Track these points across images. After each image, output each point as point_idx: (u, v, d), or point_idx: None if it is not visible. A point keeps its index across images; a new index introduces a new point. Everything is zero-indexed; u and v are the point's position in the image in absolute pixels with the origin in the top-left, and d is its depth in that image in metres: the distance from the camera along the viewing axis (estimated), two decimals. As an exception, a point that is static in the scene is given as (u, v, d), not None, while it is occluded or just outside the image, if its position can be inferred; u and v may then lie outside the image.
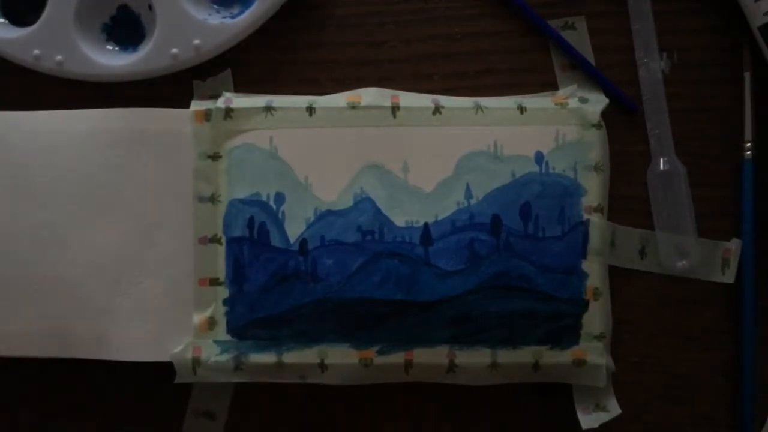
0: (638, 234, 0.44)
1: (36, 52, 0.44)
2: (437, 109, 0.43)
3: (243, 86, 0.45)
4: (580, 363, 0.42)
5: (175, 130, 0.43)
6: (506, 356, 0.42)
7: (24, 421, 0.46)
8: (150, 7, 0.45)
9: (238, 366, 0.42)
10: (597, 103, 0.43)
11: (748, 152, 0.44)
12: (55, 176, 0.43)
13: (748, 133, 0.44)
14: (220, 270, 0.42)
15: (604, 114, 0.43)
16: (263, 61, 0.45)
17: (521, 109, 0.43)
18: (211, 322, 0.42)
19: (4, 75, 0.46)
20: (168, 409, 0.45)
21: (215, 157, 0.43)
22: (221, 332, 0.42)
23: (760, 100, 0.44)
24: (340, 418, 0.45)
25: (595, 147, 0.42)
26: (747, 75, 0.44)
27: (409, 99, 0.43)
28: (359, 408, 0.45)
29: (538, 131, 0.42)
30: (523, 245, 0.42)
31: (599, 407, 0.43)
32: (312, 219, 0.42)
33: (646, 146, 0.44)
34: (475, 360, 0.42)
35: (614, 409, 0.42)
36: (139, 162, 0.43)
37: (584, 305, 0.42)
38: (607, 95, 0.44)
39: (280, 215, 0.42)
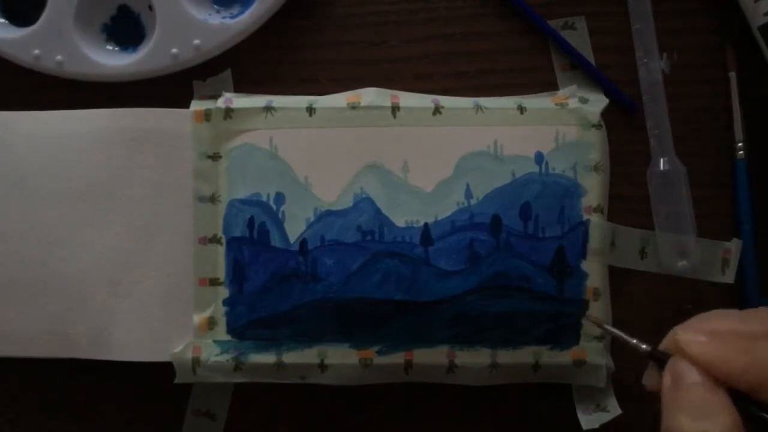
0: (638, 234, 0.44)
1: (36, 52, 0.44)
2: (437, 109, 0.43)
3: (243, 86, 0.45)
4: (580, 363, 0.42)
5: (175, 130, 0.43)
6: (506, 356, 0.42)
7: (24, 421, 0.46)
8: (150, 7, 0.45)
9: (237, 366, 0.42)
10: (597, 103, 0.43)
11: (741, 152, 0.44)
12: (55, 176, 0.43)
13: (738, 133, 0.44)
14: (220, 270, 0.42)
15: (604, 114, 0.43)
16: (263, 61, 0.45)
17: (521, 109, 0.43)
18: (211, 323, 0.42)
19: (4, 75, 0.46)
20: (168, 409, 0.45)
21: (215, 157, 0.43)
22: (221, 332, 0.42)
23: (757, 100, 0.44)
24: (340, 418, 0.45)
25: (595, 147, 0.42)
26: (732, 75, 0.44)
27: (409, 99, 0.43)
28: (359, 408, 0.45)
29: (538, 131, 0.42)
30: (523, 245, 0.42)
31: (599, 407, 0.43)
32: (312, 219, 0.42)
33: (646, 146, 0.44)
34: (475, 360, 0.42)
35: (614, 409, 0.42)
36: (139, 162, 0.43)
37: (584, 305, 0.42)
38: (607, 95, 0.44)
39: (280, 215, 0.42)
